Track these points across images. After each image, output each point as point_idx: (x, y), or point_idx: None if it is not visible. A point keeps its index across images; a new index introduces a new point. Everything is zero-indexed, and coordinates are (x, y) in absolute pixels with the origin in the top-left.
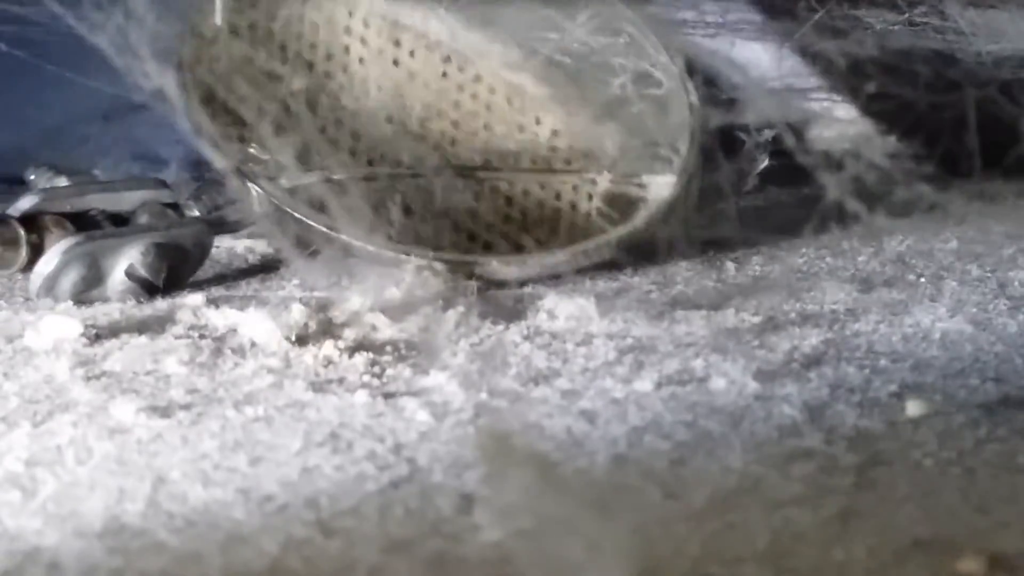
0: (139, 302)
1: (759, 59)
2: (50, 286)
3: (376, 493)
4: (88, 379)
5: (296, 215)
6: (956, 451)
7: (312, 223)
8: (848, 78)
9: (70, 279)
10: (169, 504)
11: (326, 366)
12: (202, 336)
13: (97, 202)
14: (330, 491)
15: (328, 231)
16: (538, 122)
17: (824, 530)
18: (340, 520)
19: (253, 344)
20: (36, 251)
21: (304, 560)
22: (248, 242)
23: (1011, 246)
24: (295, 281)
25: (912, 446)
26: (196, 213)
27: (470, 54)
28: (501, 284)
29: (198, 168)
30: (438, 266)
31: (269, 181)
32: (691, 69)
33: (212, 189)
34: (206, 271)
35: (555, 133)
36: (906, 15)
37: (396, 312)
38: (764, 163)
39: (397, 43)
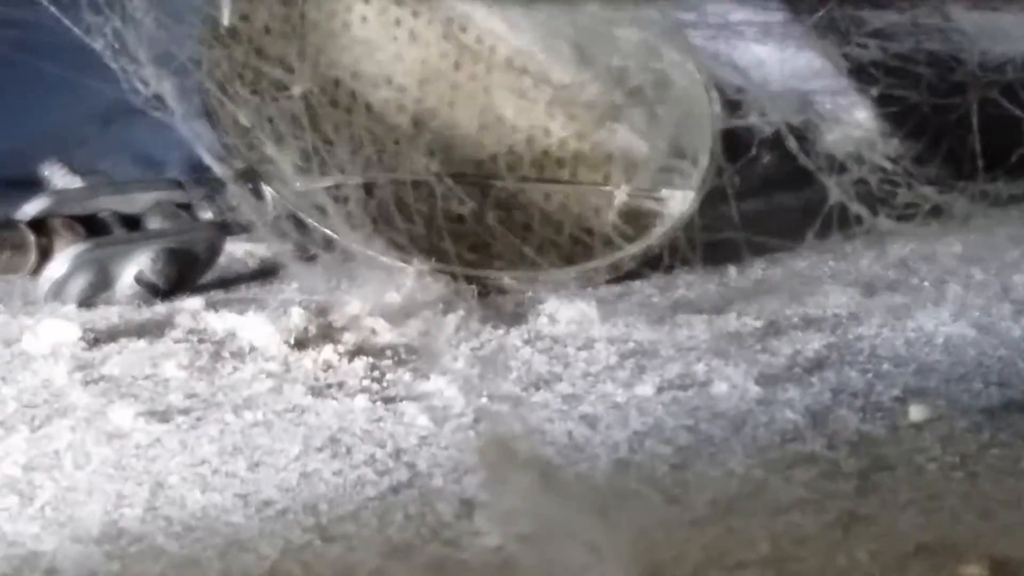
0: (142, 305)
1: (768, 61)
2: (58, 291)
3: (376, 498)
4: (86, 383)
5: (309, 220)
6: (959, 456)
7: (325, 229)
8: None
9: (78, 284)
10: (167, 509)
11: (326, 370)
12: (201, 340)
13: (109, 204)
14: (329, 496)
15: (339, 238)
16: (548, 132)
17: (826, 535)
18: (339, 525)
19: (252, 348)
20: (45, 255)
21: (303, 565)
22: (248, 246)
23: (1015, 249)
24: (294, 285)
25: (915, 451)
26: (209, 214)
27: (501, 52)
28: (503, 290)
29: (197, 170)
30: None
31: (283, 184)
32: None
33: (225, 190)
34: (206, 275)
35: (571, 141)
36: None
37: (396, 316)
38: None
39: (398, 22)
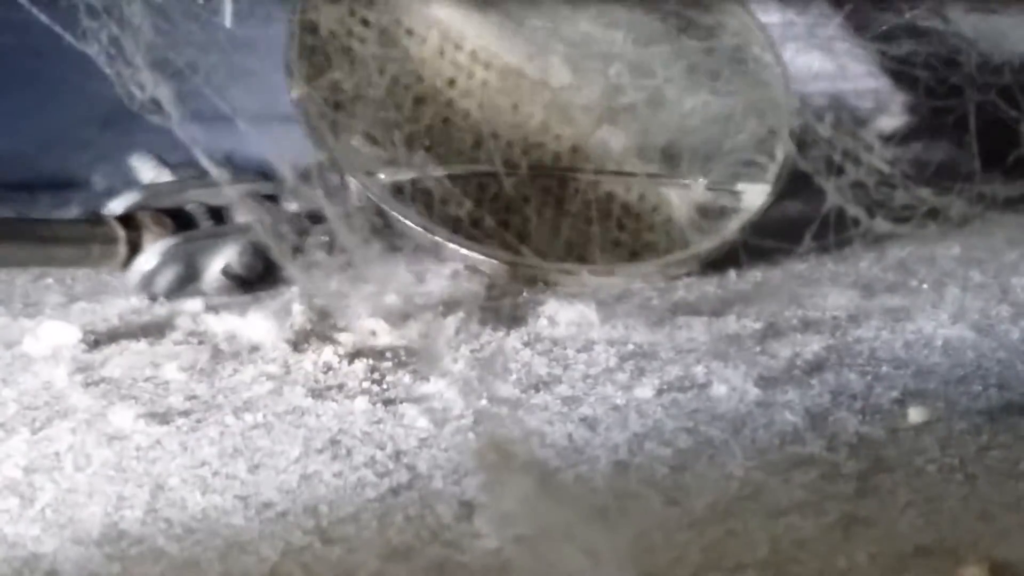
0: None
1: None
2: (147, 284)
3: (376, 500)
4: (87, 385)
5: (392, 212)
6: (958, 458)
7: (408, 222)
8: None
9: (167, 278)
10: (168, 511)
11: (326, 372)
12: (201, 342)
13: (197, 196)
14: (329, 498)
15: (424, 230)
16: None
17: (826, 537)
18: (340, 527)
19: (252, 350)
20: (134, 249)
21: (303, 567)
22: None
23: (1013, 252)
24: (295, 288)
25: (914, 453)
26: (294, 206)
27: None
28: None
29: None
30: (484, 268)
31: (368, 176)
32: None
33: (312, 181)
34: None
35: (649, 134)
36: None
37: (396, 318)
38: None
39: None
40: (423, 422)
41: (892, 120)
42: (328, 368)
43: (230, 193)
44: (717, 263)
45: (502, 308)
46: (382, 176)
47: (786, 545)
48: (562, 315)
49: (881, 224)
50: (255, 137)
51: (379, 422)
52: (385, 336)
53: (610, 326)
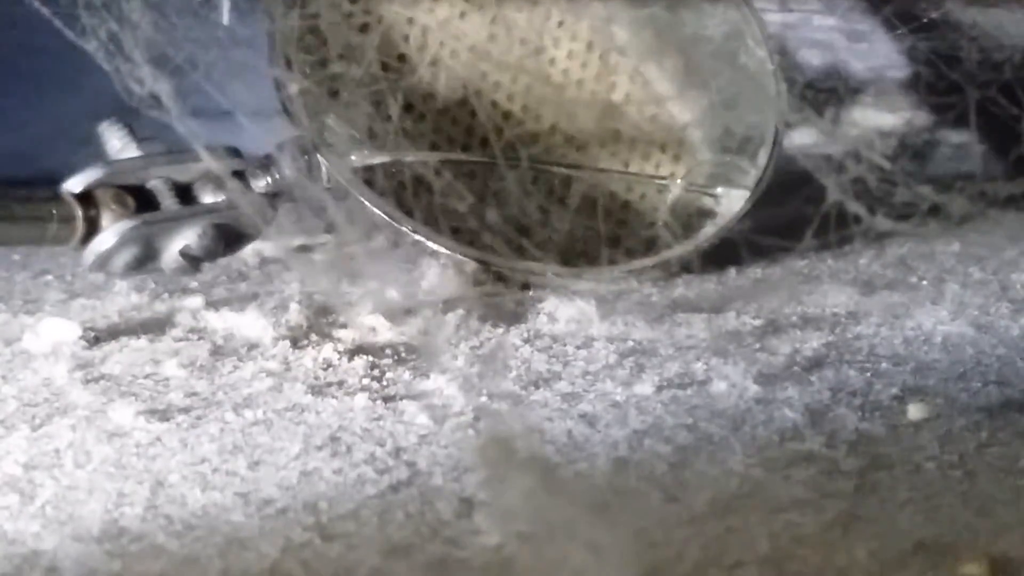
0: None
1: None
2: (103, 263)
3: (376, 497)
4: (87, 382)
5: (361, 198)
6: (957, 454)
7: (376, 210)
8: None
9: (124, 258)
10: (168, 508)
11: (325, 369)
12: (201, 339)
13: (161, 173)
14: (329, 495)
15: (391, 220)
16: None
17: (825, 534)
18: (340, 524)
19: (252, 347)
20: (93, 228)
21: (303, 564)
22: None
23: (1013, 248)
24: (294, 284)
25: (913, 449)
26: (262, 183)
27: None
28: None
29: None
30: (468, 265)
31: (339, 158)
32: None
33: (280, 159)
34: (205, 273)
35: (633, 127)
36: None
37: (396, 314)
38: None
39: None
40: (423, 419)
41: (893, 117)
42: (328, 365)
43: (196, 170)
44: (717, 260)
45: (502, 305)
46: (353, 159)
47: (786, 541)
48: (562, 312)
49: (882, 222)
50: (255, 132)
51: (379, 419)
52: (385, 333)
53: (610, 323)
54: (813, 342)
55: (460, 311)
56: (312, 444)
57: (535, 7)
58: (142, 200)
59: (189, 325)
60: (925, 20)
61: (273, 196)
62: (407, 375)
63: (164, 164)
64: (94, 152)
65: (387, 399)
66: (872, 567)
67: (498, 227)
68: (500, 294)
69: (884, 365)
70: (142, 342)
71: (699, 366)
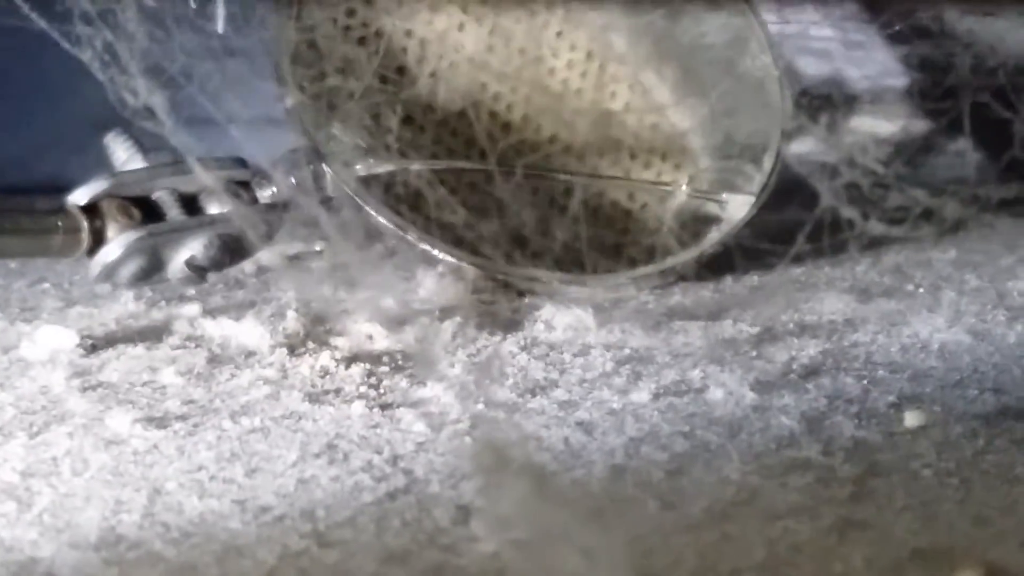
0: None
1: None
2: (109, 274)
3: (373, 504)
4: (84, 390)
5: (366, 207)
6: (954, 462)
7: (382, 218)
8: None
9: (130, 269)
10: (165, 515)
11: (322, 377)
12: (198, 347)
13: (167, 184)
14: (327, 502)
15: (397, 228)
16: (621, 123)
17: (822, 541)
18: (337, 531)
19: (249, 355)
20: (98, 239)
21: (300, 572)
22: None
23: (1010, 256)
24: (291, 292)
25: (910, 457)
26: (268, 192)
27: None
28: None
29: None
30: (467, 273)
31: (344, 166)
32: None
33: (285, 169)
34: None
35: (636, 134)
36: None
37: (393, 322)
38: None
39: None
40: (420, 426)
41: (889, 125)
42: (325, 373)
43: (201, 181)
44: (714, 267)
45: (499, 313)
46: (359, 167)
47: (782, 549)
48: (559, 319)
49: (875, 226)
50: (249, 143)
51: (376, 426)
52: (382, 341)
53: (607, 330)
54: (810, 350)
55: (457, 319)
56: (309, 452)
57: (533, 18)
58: (148, 211)
59: (186, 333)
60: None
61: (278, 206)
62: (404, 383)
63: (169, 175)
64: (90, 161)
65: (384, 407)
66: (869, 574)
67: (500, 236)
68: (497, 302)
69: (881, 372)
70: (139, 350)
71: (696, 374)
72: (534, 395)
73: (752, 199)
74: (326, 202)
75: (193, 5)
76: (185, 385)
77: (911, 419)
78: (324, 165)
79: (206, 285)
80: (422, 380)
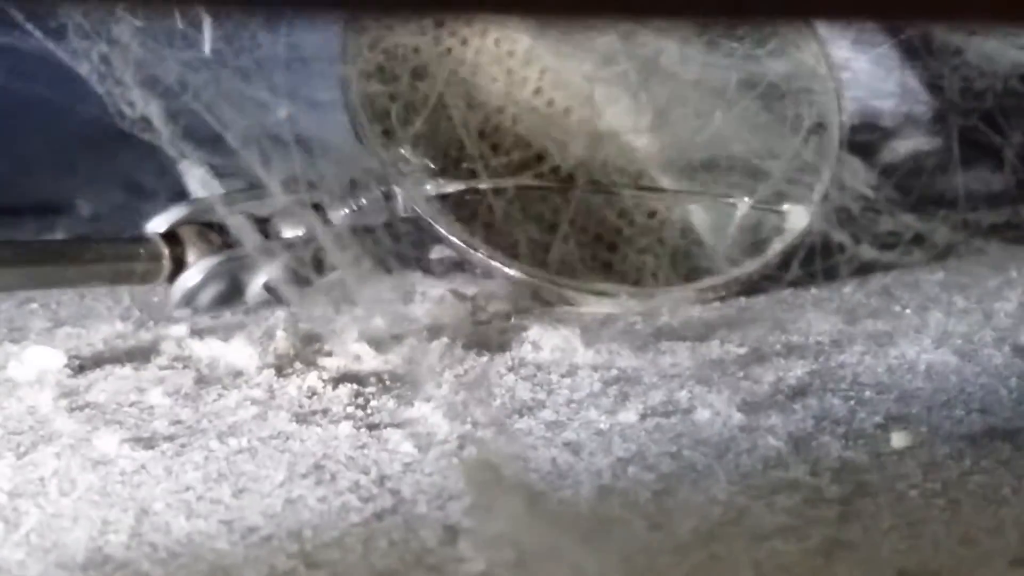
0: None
1: None
2: (189, 300)
3: (360, 525)
4: (72, 410)
5: (437, 226)
6: (941, 482)
7: (453, 237)
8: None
9: (209, 294)
10: (152, 536)
11: (310, 397)
12: (186, 367)
13: (243, 209)
14: (314, 523)
15: (467, 247)
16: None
17: (809, 561)
18: (324, 552)
19: (237, 375)
20: (179, 265)
21: None
22: None
23: (996, 277)
24: (280, 312)
25: (897, 477)
26: (342, 213)
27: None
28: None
29: (183, 197)
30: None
31: (415, 187)
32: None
33: (358, 191)
34: None
35: (693, 149)
36: None
37: (381, 343)
38: None
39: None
40: (407, 447)
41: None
42: (312, 393)
43: (275, 205)
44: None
45: (487, 333)
46: (429, 188)
47: (769, 569)
48: (546, 340)
49: (867, 250)
50: (245, 155)
51: (363, 447)
52: (370, 361)
53: (594, 351)
54: (797, 370)
55: (445, 339)
56: (296, 472)
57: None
58: (226, 236)
59: (174, 353)
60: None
61: (354, 227)
62: (392, 403)
63: (244, 200)
64: (80, 180)
65: (372, 427)
66: None
67: (568, 252)
68: (486, 322)
69: (868, 393)
70: (127, 370)
71: (683, 394)
72: (522, 415)
73: (811, 209)
74: (397, 223)
75: (181, 26)
76: (173, 405)
77: (898, 440)
78: (395, 186)
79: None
80: (410, 400)
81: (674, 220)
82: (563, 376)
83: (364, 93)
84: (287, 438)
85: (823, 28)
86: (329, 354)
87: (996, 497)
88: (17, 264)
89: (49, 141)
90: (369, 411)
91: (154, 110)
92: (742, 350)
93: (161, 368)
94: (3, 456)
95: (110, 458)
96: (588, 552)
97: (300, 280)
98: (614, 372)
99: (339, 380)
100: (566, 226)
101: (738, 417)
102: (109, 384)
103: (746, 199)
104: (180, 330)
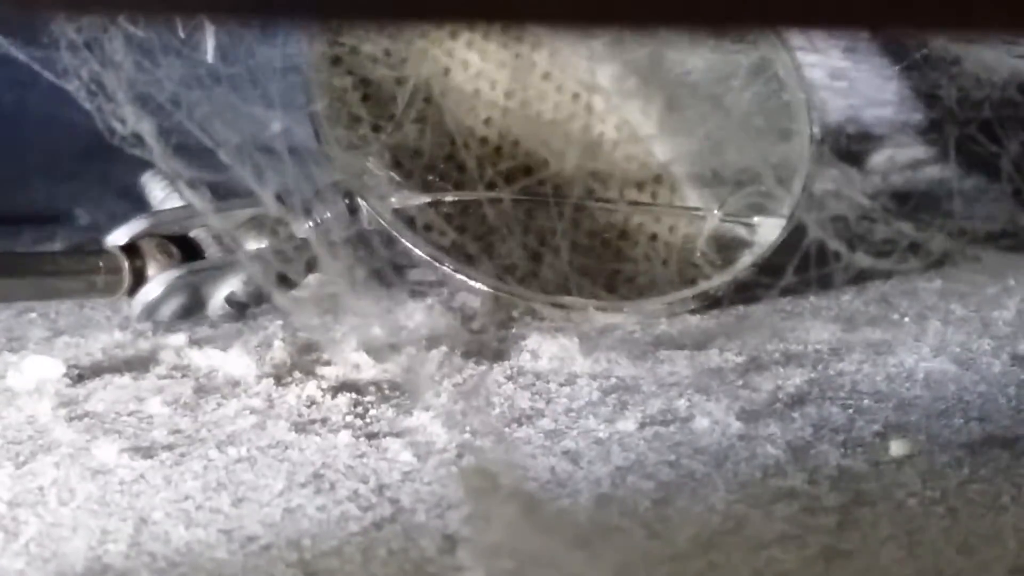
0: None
1: None
2: (150, 313)
3: (359, 534)
4: (71, 420)
5: (402, 239)
6: (939, 491)
7: (417, 250)
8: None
9: (171, 307)
10: (152, 545)
11: (309, 406)
12: (185, 376)
13: (205, 222)
14: (313, 532)
15: (432, 260)
16: (647, 151)
17: (807, 570)
18: (323, 561)
19: (236, 384)
20: (139, 278)
21: None
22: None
23: (995, 286)
24: (279, 321)
25: (895, 486)
26: (306, 227)
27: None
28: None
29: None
30: (457, 303)
31: (380, 200)
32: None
33: (322, 204)
34: None
35: (665, 162)
36: None
37: (379, 352)
38: None
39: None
40: (406, 456)
41: (873, 155)
42: (311, 402)
43: (238, 217)
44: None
45: (485, 342)
46: (394, 200)
47: None
48: (545, 349)
49: (862, 258)
50: (238, 170)
51: (362, 456)
52: (369, 370)
53: (592, 360)
54: (795, 379)
55: (443, 348)
56: (295, 481)
57: (564, 52)
58: (187, 249)
59: (173, 363)
60: (917, 56)
61: (318, 240)
62: (390, 412)
63: (208, 212)
64: (78, 189)
65: (370, 436)
66: None
67: (536, 265)
68: (484, 331)
69: (866, 402)
70: (126, 379)
71: (682, 403)
72: (520, 424)
73: (783, 222)
74: (361, 236)
75: (182, 35)
76: (171, 415)
77: (896, 448)
78: (359, 199)
79: (255, 311)
80: (409, 409)
81: (642, 232)
82: (562, 385)
83: (329, 102)
84: (286, 447)
85: (795, 38)
86: (328, 363)
87: (995, 505)
88: None
89: (47, 150)
90: (368, 420)
91: (146, 126)
92: (740, 358)
93: (160, 377)
94: (2, 465)
95: (109, 467)
96: (587, 561)
97: (262, 293)
98: (613, 381)
99: (338, 389)
100: (533, 239)
101: (737, 425)
102: (108, 393)
103: (715, 211)
104: (179, 340)
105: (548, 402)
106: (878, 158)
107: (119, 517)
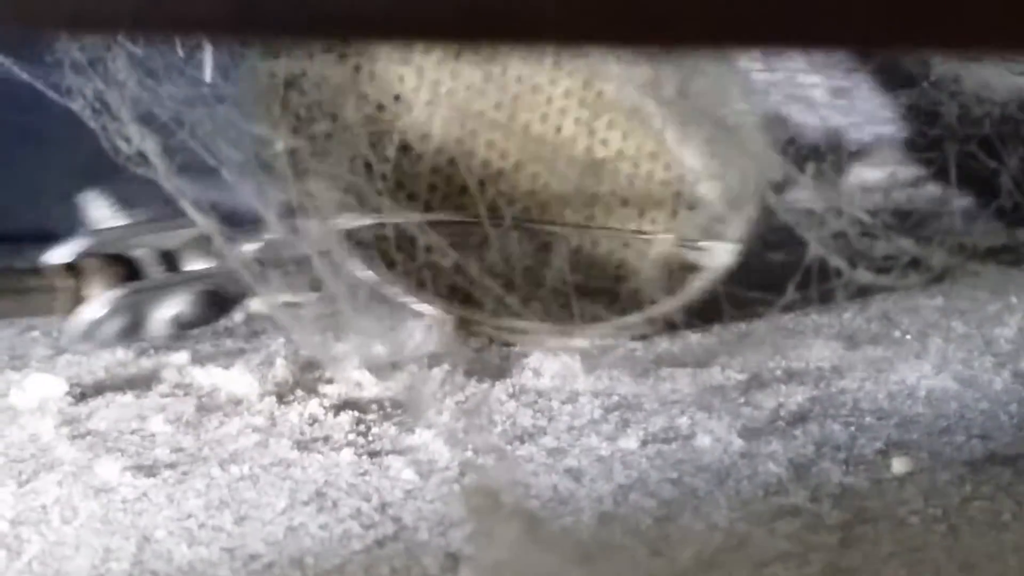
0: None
1: None
2: (91, 334)
3: (362, 552)
4: (73, 438)
5: (344, 262)
6: (941, 508)
7: (360, 273)
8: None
9: (112, 327)
10: (154, 563)
11: (311, 424)
12: (187, 395)
13: (146, 242)
14: (315, 550)
15: (378, 282)
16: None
17: None
18: None
19: (238, 402)
20: (79, 298)
21: None
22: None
23: (996, 303)
24: (280, 339)
25: (897, 503)
26: (252, 246)
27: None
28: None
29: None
30: (449, 324)
31: (323, 221)
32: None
33: (266, 223)
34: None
35: (624, 182)
36: None
37: (382, 370)
38: None
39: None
40: (409, 474)
41: (875, 172)
42: (314, 420)
43: (181, 237)
44: (701, 315)
45: (487, 360)
46: (339, 221)
47: None
48: (547, 367)
49: (863, 274)
50: (241, 189)
51: (365, 474)
52: (371, 388)
53: (595, 377)
54: (797, 396)
55: (445, 366)
56: (298, 499)
57: (522, 64)
58: (128, 269)
59: (175, 381)
60: (924, 85)
61: (262, 261)
62: (393, 430)
63: (149, 232)
64: (76, 211)
65: (373, 454)
66: None
67: (485, 285)
68: (486, 348)
69: (868, 419)
70: (128, 398)
71: (684, 420)
72: (523, 442)
73: (735, 246)
74: (303, 258)
75: (181, 54)
76: (174, 433)
77: (898, 465)
78: (304, 220)
79: (194, 332)
80: (411, 427)
81: (598, 255)
82: (564, 403)
83: (272, 123)
84: (288, 465)
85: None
86: (330, 381)
87: (997, 523)
88: None
89: (44, 172)
90: (370, 438)
91: (150, 145)
92: (742, 376)
93: (162, 396)
94: (5, 484)
95: (112, 486)
96: None
97: (206, 314)
98: (615, 399)
99: (340, 407)
100: (484, 262)
101: (739, 443)
102: (110, 412)
103: (666, 235)
104: (181, 358)
105: (550, 420)
106: (878, 175)
107: (122, 535)
